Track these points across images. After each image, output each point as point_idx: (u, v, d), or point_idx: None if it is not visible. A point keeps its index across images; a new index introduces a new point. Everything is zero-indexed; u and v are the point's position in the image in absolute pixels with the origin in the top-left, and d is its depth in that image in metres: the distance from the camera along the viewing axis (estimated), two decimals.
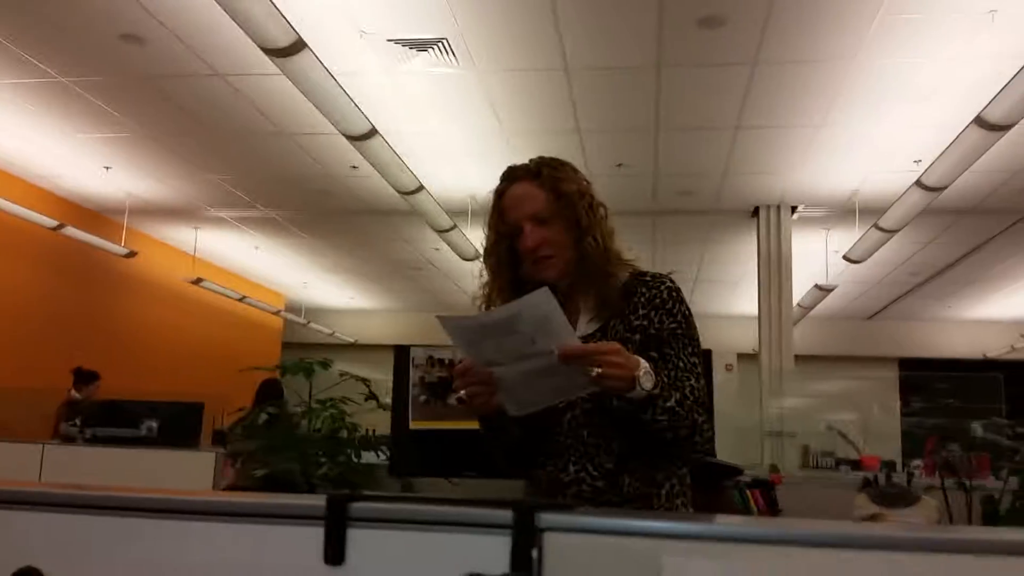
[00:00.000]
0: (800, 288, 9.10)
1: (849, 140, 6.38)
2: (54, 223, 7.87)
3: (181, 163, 7.42)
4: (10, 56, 5.38)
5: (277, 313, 13.27)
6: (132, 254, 8.96)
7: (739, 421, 7.47)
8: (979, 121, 4.94)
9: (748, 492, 3.10)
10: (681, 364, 1.62)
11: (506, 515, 0.79)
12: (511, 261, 1.72)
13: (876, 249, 7.84)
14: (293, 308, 14.01)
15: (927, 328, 14.06)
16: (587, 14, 4.74)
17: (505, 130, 6.35)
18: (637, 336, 1.63)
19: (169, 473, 5.00)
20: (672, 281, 1.69)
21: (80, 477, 4.88)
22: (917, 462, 5.59)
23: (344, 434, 2.98)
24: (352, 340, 14.77)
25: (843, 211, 7.99)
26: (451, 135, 6.52)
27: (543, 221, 1.66)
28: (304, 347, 12.41)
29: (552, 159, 1.74)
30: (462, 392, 1.54)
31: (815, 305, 10.42)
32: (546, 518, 0.78)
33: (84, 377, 7.15)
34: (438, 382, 2.75)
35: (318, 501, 0.87)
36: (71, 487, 1.02)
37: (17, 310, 8.13)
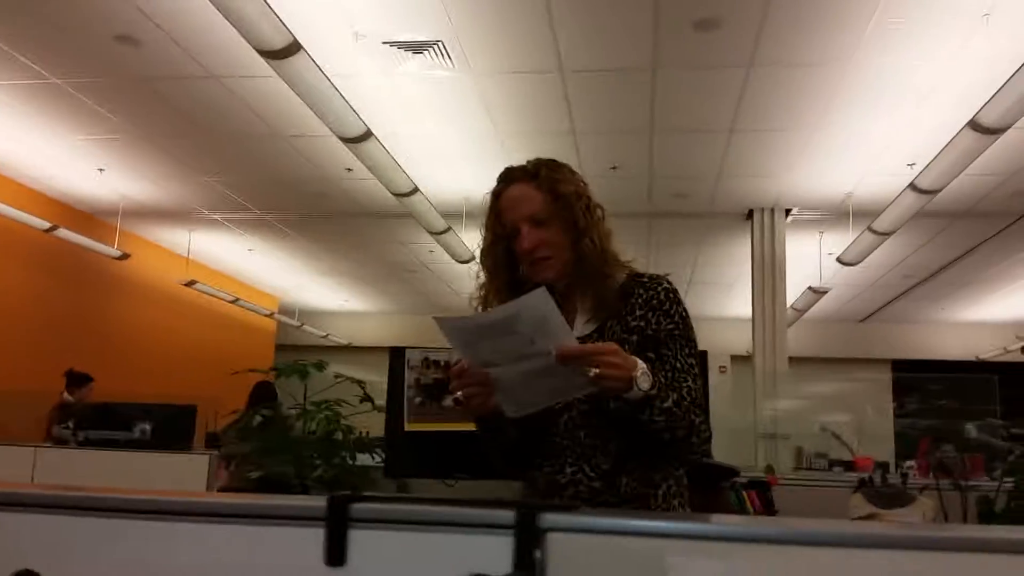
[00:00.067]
0: (794, 290, 9.11)
1: (843, 143, 6.40)
2: (47, 225, 7.84)
3: (175, 165, 7.40)
4: (3, 57, 5.36)
5: (271, 315, 13.23)
6: (125, 256, 8.93)
7: (733, 423, 7.48)
8: (973, 124, 4.95)
9: (744, 493, 3.11)
10: (678, 365, 1.62)
11: (508, 515, 0.79)
12: (508, 262, 1.72)
13: (870, 252, 7.86)
14: (287, 310, 13.97)
15: (920, 330, 14.10)
16: (582, 16, 4.74)
17: (500, 132, 6.35)
18: (634, 337, 1.63)
19: (162, 476, 4.98)
20: (669, 282, 1.69)
21: (73, 480, 4.86)
22: (910, 463, 5.61)
23: (339, 436, 2.97)
24: (346, 342, 14.74)
25: (837, 214, 8.01)
26: (446, 137, 6.52)
27: (540, 222, 1.66)
28: (298, 349, 12.37)
29: (549, 160, 1.74)
30: (459, 393, 1.54)
31: (809, 307, 10.44)
32: (548, 518, 0.78)
33: (77, 379, 7.12)
34: (434, 384, 2.74)
35: (319, 502, 0.86)
36: (70, 489, 1.01)
37: (9, 312, 8.09)
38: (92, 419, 5.55)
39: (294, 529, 0.89)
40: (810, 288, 9.58)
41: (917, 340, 14.08)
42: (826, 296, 9.94)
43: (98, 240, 8.59)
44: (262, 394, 5.86)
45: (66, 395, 6.96)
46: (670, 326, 1.65)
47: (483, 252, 1.76)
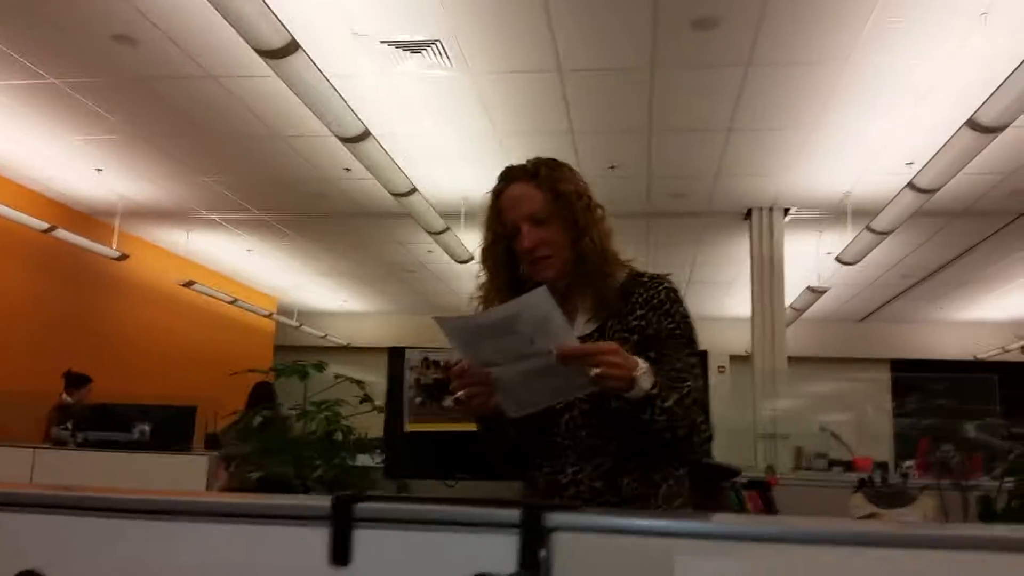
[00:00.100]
0: (792, 290, 9.11)
1: (842, 142, 6.40)
2: (45, 225, 7.83)
3: (173, 165, 7.39)
4: (1, 58, 5.35)
5: (269, 316, 13.23)
6: (124, 257, 8.92)
7: (732, 423, 7.48)
8: (971, 123, 4.96)
9: (744, 493, 3.10)
10: (679, 365, 1.61)
11: (514, 515, 0.78)
12: (508, 261, 1.72)
13: (868, 251, 7.86)
14: (285, 311, 13.96)
15: (919, 330, 14.11)
16: (580, 15, 4.74)
17: (498, 132, 6.35)
18: (635, 336, 1.63)
19: (161, 477, 4.97)
20: (670, 282, 1.69)
21: (71, 481, 4.85)
22: (909, 463, 5.60)
23: (339, 436, 2.97)
24: (345, 343, 14.73)
25: (835, 213, 8.01)
26: (444, 137, 6.51)
27: (541, 221, 1.66)
28: (296, 350, 12.36)
29: (549, 159, 1.74)
30: (460, 393, 1.53)
31: (808, 307, 10.44)
32: (554, 518, 0.77)
33: (75, 380, 7.11)
34: (434, 384, 2.74)
35: (323, 501, 0.86)
36: (73, 489, 1.01)
37: (8, 313, 8.08)
38: (91, 420, 5.54)
39: (298, 529, 0.88)
40: (809, 288, 9.59)
41: (916, 340, 14.09)
42: (824, 296, 9.94)
43: (96, 240, 8.58)
44: (261, 395, 5.86)
45: (65, 396, 6.95)
46: (671, 326, 1.64)
47: (483, 251, 1.76)
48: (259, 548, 0.88)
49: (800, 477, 5.28)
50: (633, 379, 1.46)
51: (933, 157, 5.66)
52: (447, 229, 7.97)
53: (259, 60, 4.62)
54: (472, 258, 8.70)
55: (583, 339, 1.62)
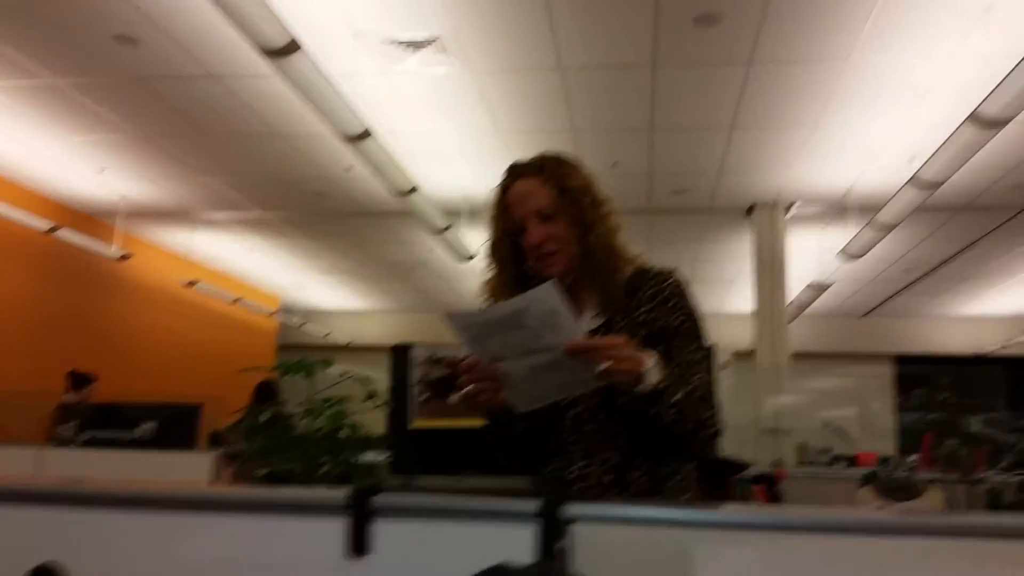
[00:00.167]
0: (795, 286, 9.11)
1: (844, 138, 6.39)
2: (47, 226, 7.84)
3: (175, 165, 7.39)
4: (2, 58, 5.35)
5: (272, 315, 13.23)
6: (126, 257, 8.92)
7: (735, 419, 7.46)
8: (974, 118, 4.95)
9: (752, 488, 3.10)
10: (688, 359, 1.61)
11: (532, 506, 0.78)
12: (515, 257, 1.72)
13: (871, 246, 7.85)
14: (288, 310, 13.97)
15: (921, 325, 14.09)
16: (581, 13, 4.73)
17: (500, 130, 6.34)
18: (643, 331, 1.62)
19: (165, 475, 4.97)
20: (678, 276, 1.69)
21: None
22: (913, 457, 5.61)
23: (345, 433, 2.97)
24: (347, 342, 14.74)
25: (838, 209, 8.00)
26: (445, 135, 6.51)
27: (547, 217, 1.66)
28: (299, 349, 12.36)
29: (556, 155, 1.74)
30: (467, 388, 1.53)
31: (810, 303, 10.43)
32: (572, 509, 0.77)
33: (79, 380, 7.11)
34: (439, 380, 2.74)
35: (341, 493, 0.86)
36: (92, 483, 1.01)
37: (10, 313, 8.09)
38: (95, 419, 5.55)
39: (316, 521, 0.88)
40: (811, 284, 9.58)
41: (919, 335, 14.08)
42: (827, 291, 9.93)
43: (98, 241, 8.58)
44: (265, 393, 5.87)
45: (69, 395, 6.96)
46: (679, 320, 1.64)
47: (490, 247, 1.75)
48: (277, 540, 0.88)
49: (805, 472, 5.28)
50: (641, 374, 1.46)
51: (936, 151, 5.65)
52: (448, 227, 7.97)
53: (260, 59, 4.62)
54: (473, 256, 8.70)
55: (590, 334, 1.62)
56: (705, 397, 1.58)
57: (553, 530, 0.78)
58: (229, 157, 7.17)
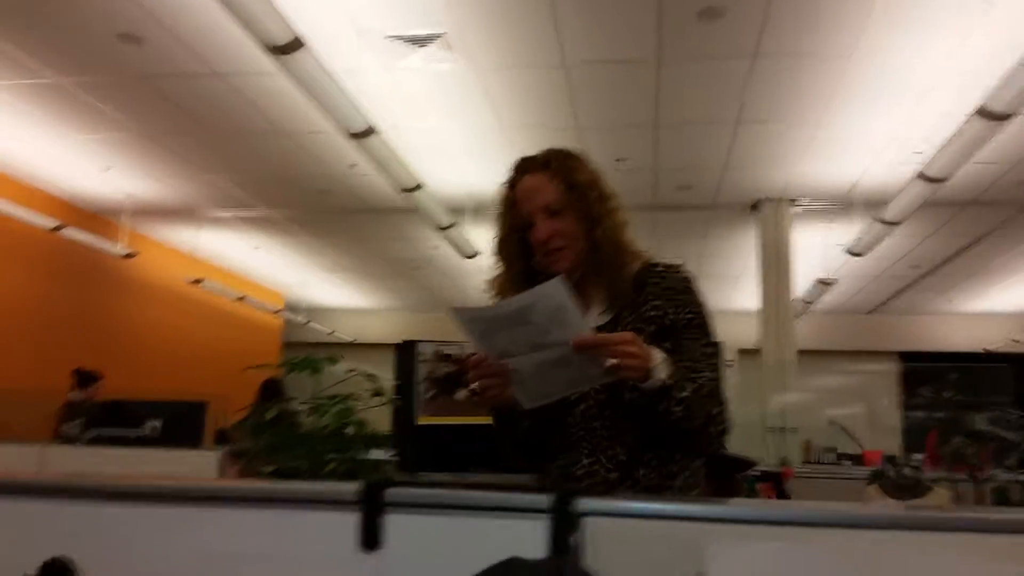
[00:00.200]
0: (801, 282, 9.09)
1: (850, 132, 6.37)
2: (53, 224, 7.85)
3: (180, 163, 7.39)
4: (6, 57, 5.36)
5: (277, 313, 13.25)
6: (131, 255, 8.94)
7: (740, 416, 7.45)
8: (981, 111, 4.94)
9: (758, 486, 3.09)
10: (696, 355, 1.60)
11: (544, 500, 0.78)
12: (522, 252, 1.71)
13: (877, 242, 7.84)
14: (292, 307, 13.99)
15: (928, 322, 14.06)
16: (585, 8, 4.72)
17: (504, 126, 6.33)
18: (651, 327, 1.61)
19: (171, 473, 4.97)
20: (686, 271, 1.68)
21: None
22: (918, 456, 5.60)
23: (351, 430, 2.97)
24: (351, 339, 14.75)
25: (844, 204, 7.98)
26: (450, 132, 6.50)
27: (555, 212, 1.65)
28: (303, 346, 12.37)
29: (562, 150, 1.73)
30: (475, 384, 1.52)
31: (816, 299, 10.41)
32: (584, 503, 0.77)
33: (85, 378, 7.12)
34: (445, 377, 2.73)
35: (353, 487, 0.85)
36: (103, 477, 1.01)
37: (16, 312, 8.10)
38: (100, 417, 5.55)
39: (328, 514, 0.88)
40: (817, 280, 9.56)
41: (924, 332, 14.05)
42: (833, 288, 9.91)
43: (104, 239, 8.60)
44: (270, 390, 5.87)
45: (74, 393, 6.97)
46: (687, 315, 1.63)
47: (497, 243, 1.75)
48: (289, 533, 0.88)
49: (812, 470, 5.26)
50: (649, 369, 1.45)
51: (943, 145, 5.64)
52: (453, 224, 7.96)
53: (264, 57, 4.62)
54: (478, 253, 8.69)
55: (597, 330, 1.61)
56: (714, 393, 1.57)
57: (565, 524, 0.78)
58: (233, 155, 7.17)
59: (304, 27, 4.48)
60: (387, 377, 3.12)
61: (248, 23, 4.20)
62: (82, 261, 8.84)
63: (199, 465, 4.88)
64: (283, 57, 4.54)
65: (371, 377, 2.94)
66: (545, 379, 1.50)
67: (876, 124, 6.16)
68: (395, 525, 0.85)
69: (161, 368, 10.07)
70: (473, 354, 1.52)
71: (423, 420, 2.74)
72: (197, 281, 10.35)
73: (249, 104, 6.02)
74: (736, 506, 0.78)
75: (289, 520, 0.89)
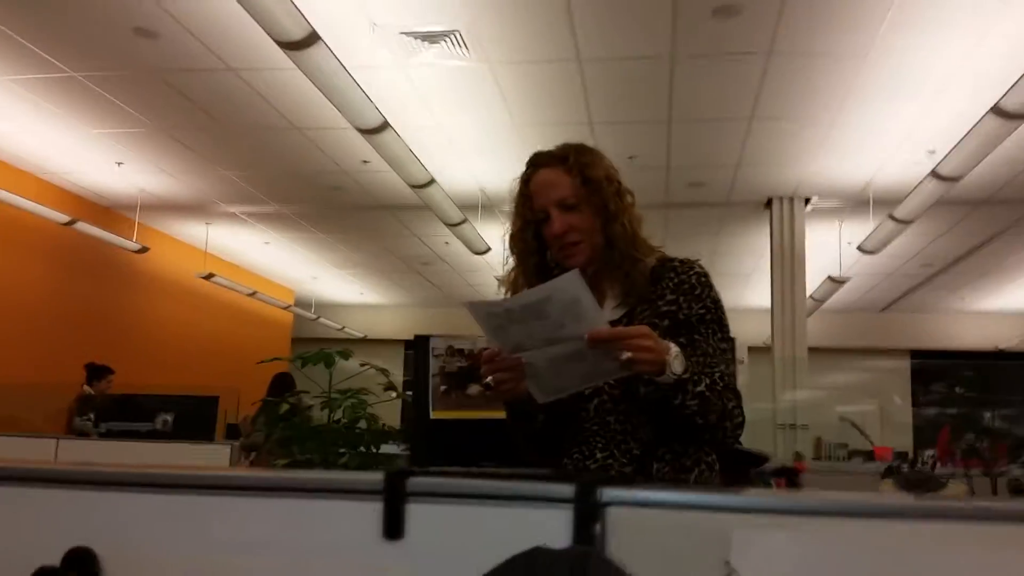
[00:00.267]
0: (813, 280, 9.06)
1: (863, 131, 6.35)
2: (66, 219, 7.89)
3: (193, 158, 7.42)
4: (22, 51, 5.38)
5: (287, 308, 13.29)
6: (144, 250, 8.98)
7: (752, 413, 7.43)
8: (996, 110, 4.91)
9: (772, 480, 3.09)
10: (710, 350, 1.60)
11: (568, 489, 0.78)
12: (537, 247, 1.71)
13: (890, 240, 7.80)
14: (303, 303, 14.02)
15: (940, 320, 14.00)
16: (599, 4, 4.72)
17: (516, 123, 6.33)
18: (665, 322, 1.61)
19: None
20: (701, 267, 1.68)
21: None
22: (930, 452, 5.58)
23: (364, 424, 2.98)
24: (362, 335, 14.78)
25: (857, 202, 7.95)
26: (462, 128, 6.51)
27: (570, 207, 1.65)
28: (313, 342, 12.39)
29: (579, 145, 1.73)
30: (489, 378, 1.52)
31: (828, 297, 10.38)
32: (608, 492, 0.77)
33: (97, 372, 7.17)
34: (458, 372, 2.74)
35: (376, 476, 0.86)
36: (124, 465, 1.01)
37: (29, 306, 8.15)
38: (113, 411, 5.59)
39: (350, 503, 0.89)
40: (829, 278, 9.53)
41: (936, 330, 13.99)
42: (845, 286, 9.88)
43: (116, 234, 8.64)
44: (281, 385, 5.89)
45: (87, 388, 7.02)
46: (702, 310, 1.63)
47: (512, 237, 1.74)
48: (312, 522, 0.88)
49: (823, 466, 5.25)
50: (664, 363, 1.45)
51: (957, 144, 5.61)
52: (464, 220, 7.96)
53: (279, 52, 4.63)
54: (489, 249, 8.69)
55: (612, 324, 1.61)
56: (729, 387, 1.57)
57: (589, 513, 0.78)
58: (247, 150, 7.20)
59: (318, 23, 4.48)
60: (398, 373, 3.13)
61: (263, 18, 4.20)
62: (94, 256, 8.89)
63: (211, 459, 4.91)
64: (297, 53, 4.54)
65: (383, 372, 2.95)
66: (559, 373, 1.50)
67: (890, 123, 6.13)
68: (417, 514, 0.85)
69: (172, 363, 10.11)
70: (486, 348, 1.52)
71: (436, 415, 2.74)
72: (209, 276, 10.39)
73: (262, 100, 6.04)
74: (760, 496, 0.78)
75: (311, 509, 0.89)
